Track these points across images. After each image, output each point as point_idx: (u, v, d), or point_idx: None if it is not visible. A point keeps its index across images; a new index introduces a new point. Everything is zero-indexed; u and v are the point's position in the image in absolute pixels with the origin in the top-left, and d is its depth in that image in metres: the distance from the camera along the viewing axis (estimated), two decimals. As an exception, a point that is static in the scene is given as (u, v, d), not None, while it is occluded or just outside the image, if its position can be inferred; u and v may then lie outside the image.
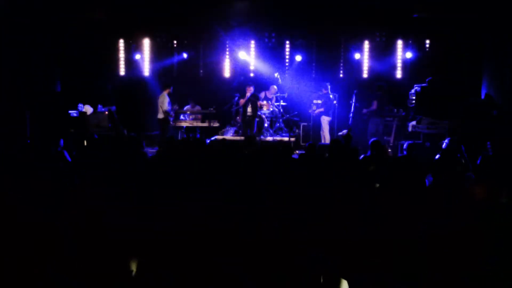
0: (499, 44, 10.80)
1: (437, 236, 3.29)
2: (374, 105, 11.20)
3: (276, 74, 12.92)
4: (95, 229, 3.87)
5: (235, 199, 4.44)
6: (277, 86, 12.85)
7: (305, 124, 12.53)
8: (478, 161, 5.61)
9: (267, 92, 12.88)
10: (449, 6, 11.03)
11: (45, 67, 11.78)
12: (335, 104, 12.23)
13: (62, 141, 7.44)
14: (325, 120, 12.05)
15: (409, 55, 12.50)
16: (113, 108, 12.43)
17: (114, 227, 3.97)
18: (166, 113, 11.78)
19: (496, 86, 11.11)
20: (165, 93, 11.89)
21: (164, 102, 11.78)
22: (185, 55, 13.31)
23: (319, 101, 12.23)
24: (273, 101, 12.72)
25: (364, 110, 11.55)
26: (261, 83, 13.14)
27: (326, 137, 11.95)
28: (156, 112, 11.94)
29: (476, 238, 3.23)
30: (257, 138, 11.56)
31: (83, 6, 11.64)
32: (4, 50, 10.50)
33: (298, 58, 13.04)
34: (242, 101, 12.34)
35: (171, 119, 12.00)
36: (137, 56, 13.16)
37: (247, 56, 13.16)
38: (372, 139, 7.04)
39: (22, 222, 3.83)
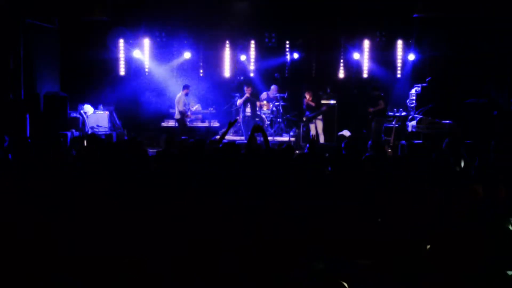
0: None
1: (436, 236, 3.29)
2: (382, 104, 11.17)
3: (276, 74, 12.92)
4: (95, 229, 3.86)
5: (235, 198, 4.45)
6: (277, 86, 12.85)
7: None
8: (476, 162, 5.62)
9: (268, 92, 12.88)
10: (449, 6, 11.02)
11: (45, 67, 11.79)
12: (330, 103, 12.22)
13: (62, 141, 7.46)
14: (319, 120, 12.09)
15: (411, 57, 12.46)
16: (113, 108, 12.42)
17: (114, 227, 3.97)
18: (182, 113, 11.84)
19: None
20: (182, 93, 11.93)
21: (180, 102, 11.84)
22: (188, 55, 13.25)
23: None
24: (275, 101, 12.71)
25: (371, 109, 11.47)
26: (261, 83, 13.13)
27: (320, 137, 11.99)
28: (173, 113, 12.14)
29: (476, 238, 3.24)
30: (258, 138, 11.55)
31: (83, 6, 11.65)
32: (4, 50, 10.51)
33: (295, 55, 13.03)
34: (239, 101, 12.33)
35: (188, 119, 12.09)
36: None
37: (246, 56, 13.15)
38: (372, 140, 7.03)
39: (22, 224, 3.83)
